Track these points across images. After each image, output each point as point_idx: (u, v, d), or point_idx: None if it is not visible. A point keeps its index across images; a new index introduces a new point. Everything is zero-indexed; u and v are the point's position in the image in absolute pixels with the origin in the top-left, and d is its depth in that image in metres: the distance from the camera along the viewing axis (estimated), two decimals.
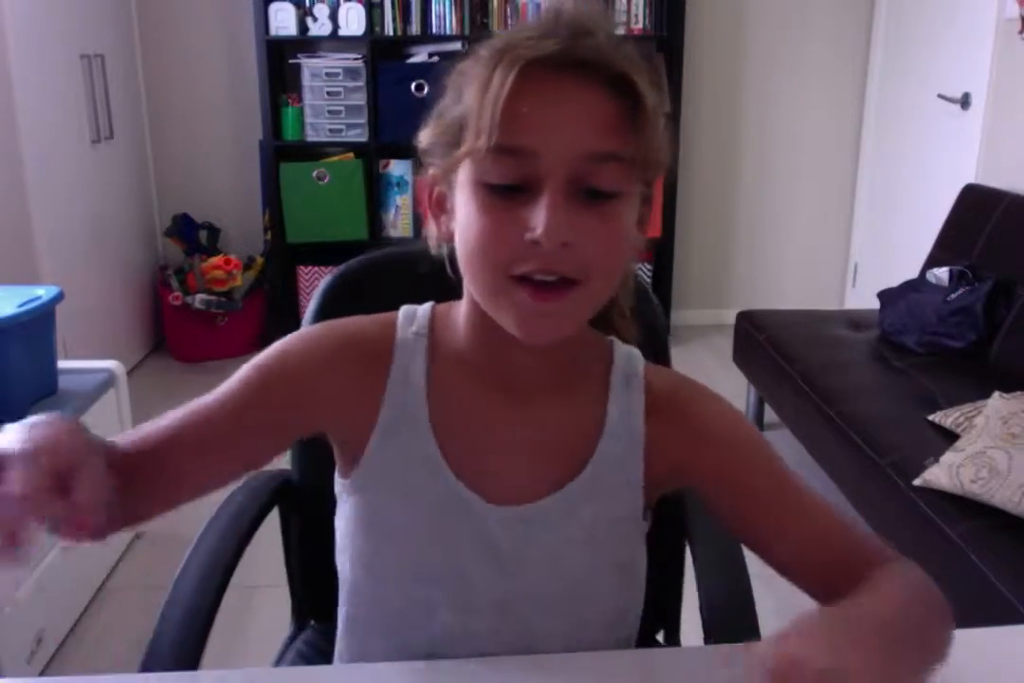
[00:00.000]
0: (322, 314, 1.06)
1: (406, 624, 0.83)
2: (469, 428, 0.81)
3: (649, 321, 1.04)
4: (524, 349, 0.76)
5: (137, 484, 0.73)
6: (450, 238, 0.77)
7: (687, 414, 0.82)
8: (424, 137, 0.78)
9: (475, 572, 0.81)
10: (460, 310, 0.82)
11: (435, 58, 3.61)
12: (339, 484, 0.85)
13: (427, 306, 0.85)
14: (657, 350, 1.03)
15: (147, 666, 0.87)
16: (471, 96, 0.70)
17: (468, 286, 0.77)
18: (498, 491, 0.80)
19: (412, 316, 0.84)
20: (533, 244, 0.68)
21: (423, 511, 0.80)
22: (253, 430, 0.78)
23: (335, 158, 3.69)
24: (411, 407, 0.80)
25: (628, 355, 0.85)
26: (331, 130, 3.64)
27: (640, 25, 3.65)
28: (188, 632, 0.92)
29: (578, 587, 0.82)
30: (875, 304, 2.88)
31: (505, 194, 0.70)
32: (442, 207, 0.78)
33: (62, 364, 2.16)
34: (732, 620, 0.98)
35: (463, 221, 0.72)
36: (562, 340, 0.74)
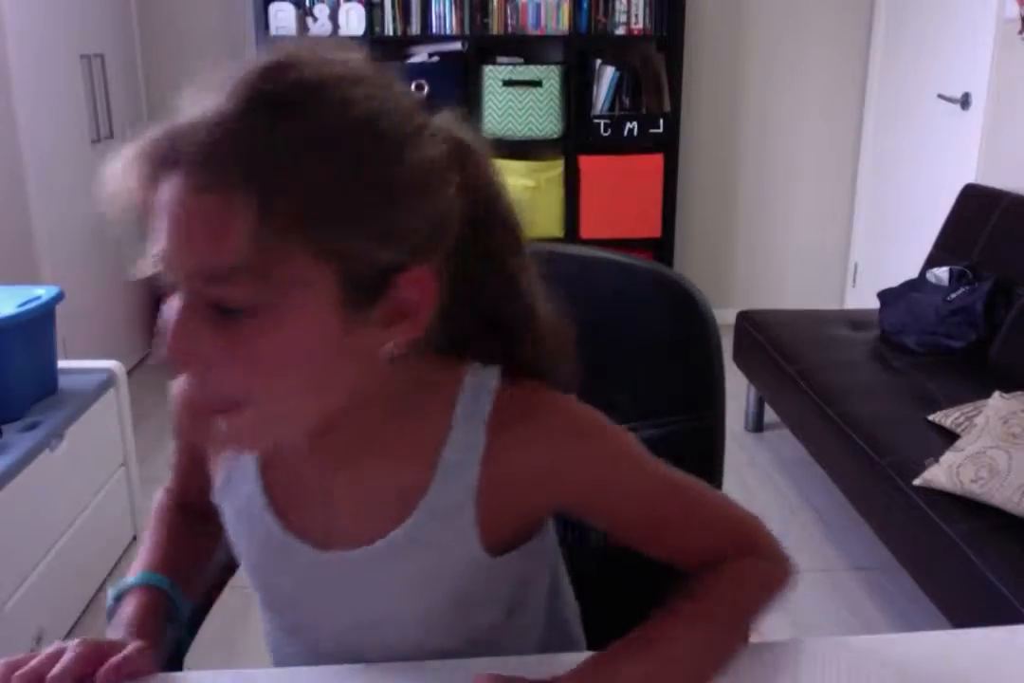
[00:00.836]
0: None
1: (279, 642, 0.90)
2: (297, 483, 0.79)
3: (693, 346, 1.04)
4: (348, 422, 0.73)
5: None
6: None
7: (535, 455, 0.74)
8: None
9: (313, 606, 0.82)
10: None
11: (435, 58, 3.61)
12: None
13: None
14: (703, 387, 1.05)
15: None
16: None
17: None
18: (327, 540, 0.78)
19: None
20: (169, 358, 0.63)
21: (255, 551, 0.82)
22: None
23: None
24: (243, 457, 0.81)
25: (477, 390, 0.75)
26: None
27: (640, 25, 3.65)
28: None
29: (425, 618, 0.80)
30: (875, 304, 2.88)
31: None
32: None
33: (62, 364, 2.16)
34: None
35: None
36: (270, 447, 0.75)
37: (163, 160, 0.60)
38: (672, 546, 0.81)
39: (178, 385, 0.70)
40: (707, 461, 1.10)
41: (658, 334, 1.07)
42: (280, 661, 0.92)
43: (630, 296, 1.08)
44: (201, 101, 0.61)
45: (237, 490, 0.81)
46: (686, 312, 1.05)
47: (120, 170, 0.64)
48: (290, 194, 0.58)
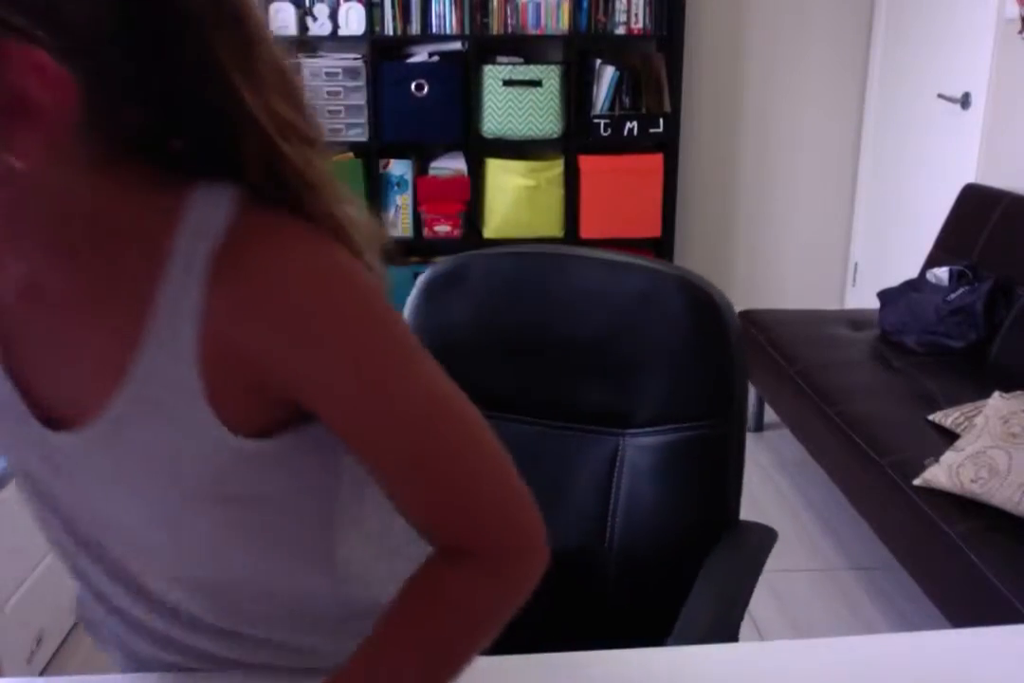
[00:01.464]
0: (418, 311, 1.14)
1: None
2: (23, 341, 0.67)
3: (717, 350, 1.04)
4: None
5: None
6: None
7: (258, 323, 0.60)
8: None
9: (50, 490, 0.74)
10: None
11: (435, 58, 3.61)
12: None
13: None
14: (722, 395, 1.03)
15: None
16: None
17: None
18: (58, 419, 0.67)
19: None
20: None
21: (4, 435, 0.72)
22: None
23: (335, 158, 3.68)
24: None
25: (201, 228, 0.60)
26: (331, 130, 3.64)
27: (640, 25, 3.65)
28: None
29: (169, 520, 0.69)
30: (875, 304, 2.88)
31: None
32: None
33: None
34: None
35: None
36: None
37: None
38: (404, 493, 0.67)
39: None
40: (722, 468, 1.10)
41: (679, 340, 1.07)
42: (92, 629, 0.84)
43: (655, 301, 1.08)
44: None
45: None
46: (708, 319, 1.06)
47: None
48: None
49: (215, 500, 0.67)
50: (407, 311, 1.16)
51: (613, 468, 1.11)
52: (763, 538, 1.11)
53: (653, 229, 3.76)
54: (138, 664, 0.82)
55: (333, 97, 3.61)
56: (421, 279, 1.17)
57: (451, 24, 3.55)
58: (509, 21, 3.56)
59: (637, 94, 3.71)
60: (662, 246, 3.81)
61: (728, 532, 1.10)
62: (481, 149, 3.64)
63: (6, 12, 0.50)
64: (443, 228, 3.68)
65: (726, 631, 0.95)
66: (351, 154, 3.68)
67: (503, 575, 0.69)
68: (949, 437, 2.03)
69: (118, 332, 0.62)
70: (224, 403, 0.63)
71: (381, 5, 3.55)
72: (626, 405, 1.10)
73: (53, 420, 0.67)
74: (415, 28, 3.56)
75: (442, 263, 1.18)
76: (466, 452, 0.67)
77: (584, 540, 1.10)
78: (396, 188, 3.72)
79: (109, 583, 0.76)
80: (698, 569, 1.07)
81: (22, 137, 0.53)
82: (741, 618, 0.97)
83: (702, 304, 1.07)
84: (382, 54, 3.63)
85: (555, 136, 3.61)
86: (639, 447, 1.09)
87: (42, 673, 1.88)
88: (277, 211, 0.61)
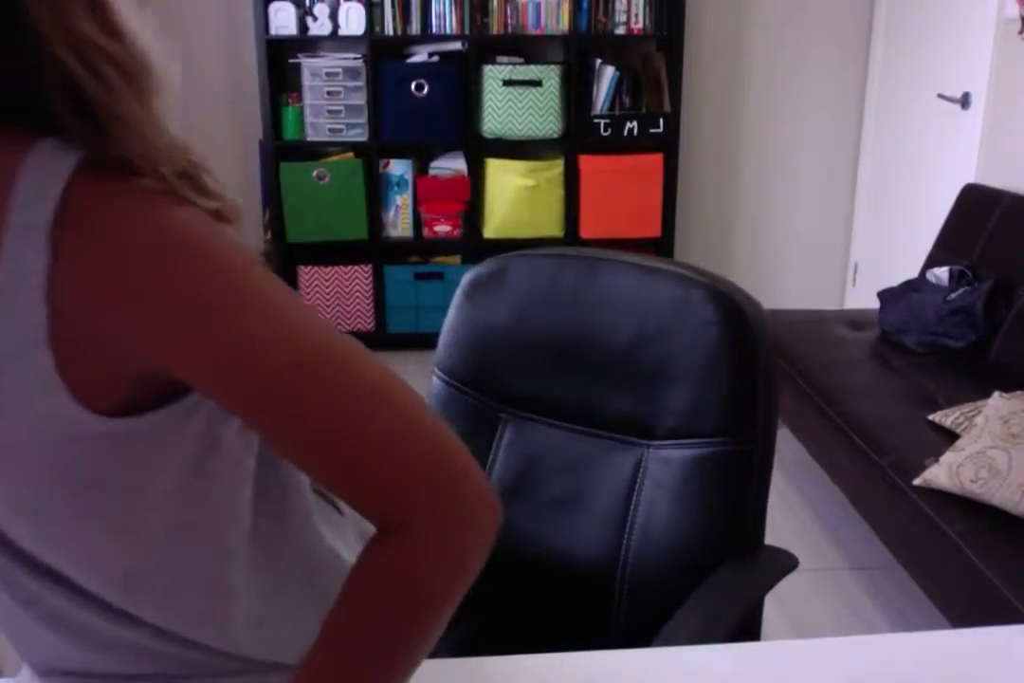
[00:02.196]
0: (459, 311, 1.17)
1: None
2: None
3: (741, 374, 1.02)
4: None
5: None
6: None
7: (104, 291, 0.56)
8: None
9: None
10: None
11: (435, 58, 3.61)
12: None
13: None
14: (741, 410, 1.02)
15: None
16: None
17: None
18: None
19: None
20: None
21: None
22: None
23: (335, 158, 3.68)
24: None
25: (41, 186, 0.56)
26: (331, 130, 3.64)
27: (640, 25, 3.65)
28: None
29: (29, 510, 0.63)
30: (875, 304, 2.88)
31: None
32: None
33: None
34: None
35: None
36: None
37: None
38: (316, 464, 0.61)
39: None
40: (743, 488, 1.06)
41: (706, 351, 1.05)
42: None
43: (684, 310, 1.06)
44: None
45: None
46: (736, 331, 1.05)
47: None
48: None
49: (72, 487, 0.62)
50: (451, 310, 1.18)
51: (635, 479, 1.09)
52: (777, 562, 1.08)
53: (653, 229, 3.76)
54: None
55: (333, 97, 3.61)
56: (464, 279, 1.19)
57: (451, 24, 3.55)
58: (509, 21, 3.56)
59: (637, 94, 3.72)
60: (662, 246, 3.81)
61: (743, 554, 1.06)
62: (481, 149, 3.64)
63: None
64: (443, 228, 3.68)
65: (713, 635, 0.93)
66: (351, 154, 3.68)
67: (444, 546, 0.63)
68: (949, 437, 2.03)
69: None
70: (79, 379, 0.58)
71: (381, 5, 3.55)
72: (651, 415, 1.08)
73: None
74: (415, 28, 3.56)
75: (484, 264, 1.19)
76: (356, 399, 0.60)
77: (599, 551, 1.09)
78: (396, 188, 3.72)
79: (27, 581, 0.69)
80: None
81: None
82: (725, 639, 0.94)
83: (730, 315, 1.05)
84: (382, 54, 3.63)
85: (555, 136, 3.61)
86: (662, 460, 1.09)
87: None
88: (110, 172, 0.57)
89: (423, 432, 0.62)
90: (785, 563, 1.08)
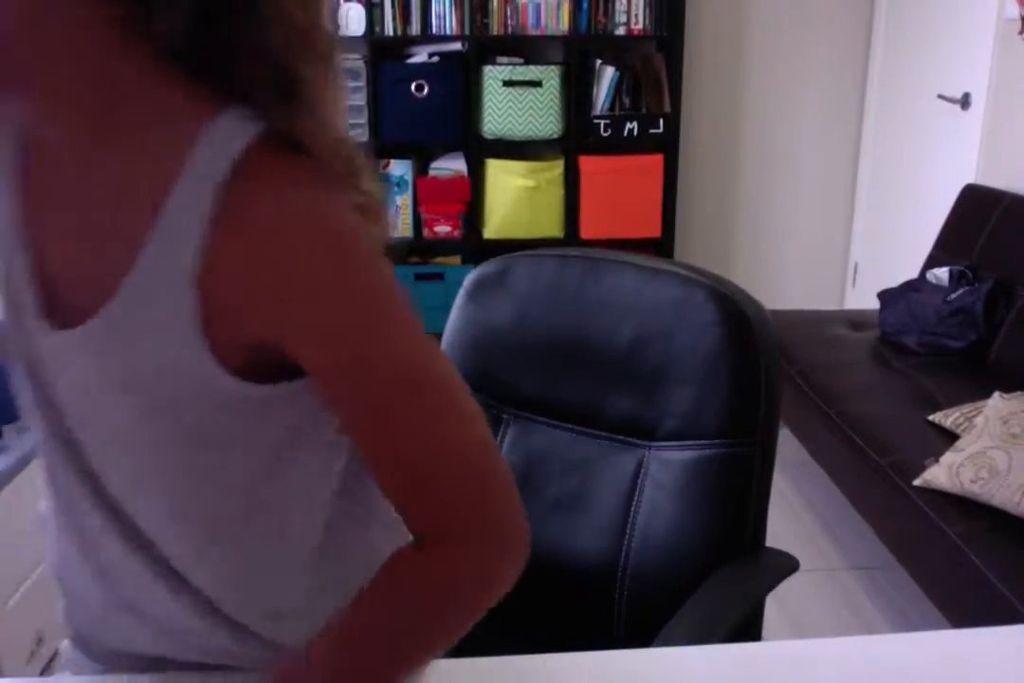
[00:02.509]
0: (462, 310, 1.17)
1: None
2: (49, 222, 0.66)
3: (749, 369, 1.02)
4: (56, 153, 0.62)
5: None
6: None
7: (259, 262, 0.59)
8: None
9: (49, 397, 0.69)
10: None
11: (435, 58, 3.61)
12: None
13: None
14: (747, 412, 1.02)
15: None
16: None
17: None
18: (55, 304, 0.66)
19: None
20: None
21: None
22: None
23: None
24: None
25: (224, 143, 0.59)
26: None
27: (640, 25, 3.65)
28: None
29: (146, 457, 0.67)
30: (875, 304, 2.88)
31: None
32: None
33: None
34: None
35: None
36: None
37: None
38: (374, 460, 0.64)
39: None
40: (744, 491, 1.06)
41: (708, 353, 1.04)
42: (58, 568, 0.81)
43: (686, 311, 1.06)
44: None
45: None
46: (737, 333, 1.04)
47: None
48: None
49: (173, 434, 0.65)
50: (454, 310, 1.18)
51: (636, 480, 1.09)
52: (778, 564, 1.08)
53: (653, 229, 3.76)
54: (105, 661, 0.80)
55: None
56: (467, 279, 1.18)
57: (451, 24, 3.55)
58: (509, 21, 3.56)
59: (637, 94, 3.71)
60: (662, 246, 3.81)
61: (744, 556, 1.06)
62: (481, 149, 3.64)
63: None
64: (443, 228, 3.68)
65: (713, 634, 0.94)
66: None
67: (477, 566, 0.66)
68: (949, 437, 2.03)
69: (127, 237, 0.61)
70: (212, 329, 0.60)
71: (381, 5, 3.55)
72: (653, 417, 1.08)
73: (64, 318, 0.65)
74: (415, 28, 3.56)
75: (486, 264, 1.19)
76: (439, 419, 0.64)
77: (600, 551, 1.09)
78: (396, 188, 3.72)
79: (99, 523, 0.71)
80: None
81: None
82: (725, 640, 0.94)
83: (732, 316, 1.04)
84: (382, 54, 3.63)
85: (555, 136, 3.61)
86: (663, 461, 1.09)
87: (42, 673, 1.88)
88: (286, 149, 0.60)
89: (484, 457, 0.66)
90: (786, 565, 1.08)
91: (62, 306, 0.65)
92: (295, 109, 0.60)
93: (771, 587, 1.04)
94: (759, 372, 1.04)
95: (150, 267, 0.60)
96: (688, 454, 1.05)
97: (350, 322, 0.61)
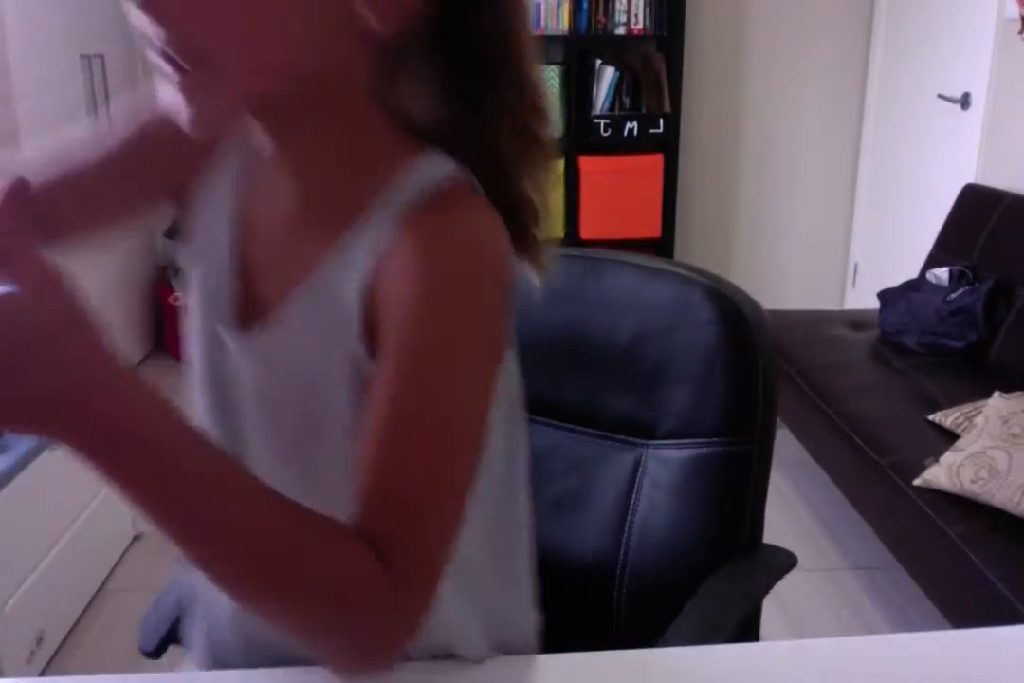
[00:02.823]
0: None
1: None
2: (257, 239, 0.75)
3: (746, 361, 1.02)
4: (276, 150, 0.69)
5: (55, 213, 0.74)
6: None
7: (421, 257, 0.64)
8: None
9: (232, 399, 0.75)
10: None
11: None
12: None
13: None
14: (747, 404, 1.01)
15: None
16: None
17: None
18: (248, 308, 0.74)
19: None
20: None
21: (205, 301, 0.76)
22: (140, 163, 0.79)
23: None
24: (219, 205, 0.76)
25: (419, 175, 0.67)
26: None
27: (640, 25, 3.65)
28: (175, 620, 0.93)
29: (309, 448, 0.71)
30: (875, 304, 2.88)
31: None
32: None
33: None
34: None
35: None
36: (221, 131, 0.70)
37: None
38: (364, 452, 0.62)
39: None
40: (742, 489, 1.06)
41: (705, 352, 1.04)
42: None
43: (683, 310, 1.06)
44: None
45: (207, 228, 0.76)
46: (734, 331, 1.04)
47: None
48: None
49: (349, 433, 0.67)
50: None
51: (634, 480, 1.09)
52: (777, 561, 1.08)
53: (653, 229, 3.76)
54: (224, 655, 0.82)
55: None
56: None
57: None
58: None
59: (637, 94, 3.72)
60: (662, 246, 3.81)
61: (742, 554, 1.06)
62: None
63: None
64: None
65: (719, 634, 0.94)
66: None
67: (402, 587, 0.58)
68: (949, 437, 2.03)
69: (315, 246, 0.68)
70: (371, 334, 0.66)
71: None
72: (651, 415, 1.08)
73: (253, 319, 0.72)
74: None
75: None
76: (434, 461, 0.61)
77: (599, 550, 1.09)
78: None
79: None
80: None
81: (390, 4, 0.61)
82: (728, 640, 0.94)
83: (729, 315, 1.04)
84: None
85: (555, 136, 3.61)
86: (660, 460, 1.08)
87: (42, 673, 1.88)
88: (474, 187, 0.68)
89: (447, 505, 0.62)
90: (784, 562, 1.08)
91: (250, 314, 0.73)
92: (499, 156, 0.69)
93: (771, 585, 1.05)
94: (757, 371, 1.04)
95: (327, 278, 0.67)
96: (686, 452, 1.05)
97: (435, 335, 0.63)
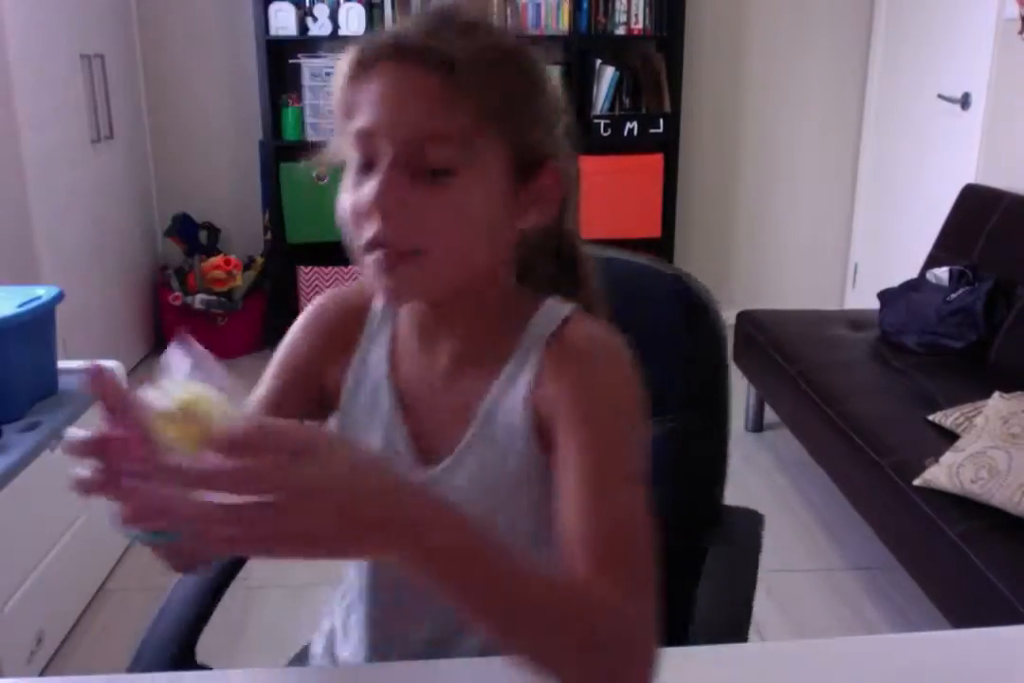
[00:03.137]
0: None
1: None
2: (416, 392, 0.88)
3: (703, 336, 1.08)
4: (439, 318, 0.84)
5: None
6: None
7: (572, 362, 0.82)
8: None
9: None
10: None
11: None
12: None
13: None
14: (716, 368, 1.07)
15: (138, 661, 0.89)
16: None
17: None
18: (422, 451, 0.87)
19: None
20: (369, 214, 0.74)
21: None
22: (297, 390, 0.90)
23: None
24: (375, 370, 0.89)
25: (550, 313, 0.85)
26: (331, 130, 3.63)
27: (640, 25, 3.65)
28: (181, 630, 0.93)
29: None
30: (875, 304, 2.88)
31: (362, 173, 0.77)
32: None
33: (62, 364, 2.15)
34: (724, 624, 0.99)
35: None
36: (425, 300, 0.82)
37: (382, 51, 0.76)
38: (575, 505, 0.73)
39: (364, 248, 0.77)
40: (706, 458, 1.13)
41: (672, 336, 1.10)
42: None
43: (653, 299, 1.11)
44: (395, 24, 0.80)
45: (368, 412, 0.88)
46: (697, 317, 1.10)
47: (339, 67, 0.79)
48: (496, 88, 0.75)
49: (532, 508, 0.84)
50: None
51: None
52: (752, 526, 1.15)
53: (653, 229, 3.76)
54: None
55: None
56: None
57: None
58: (509, 21, 3.56)
59: (637, 94, 3.72)
60: (662, 246, 3.81)
61: (717, 523, 1.13)
62: None
63: (559, 149, 0.82)
64: None
65: (740, 633, 0.96)
66: None
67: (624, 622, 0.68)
68: (949, 437, 2.03)
69: (475, 387, 0.84)
70: (540, 433, 0.81)
71: (381, 5, 3.55)
72: None
73: (430, 459, 0.85)
74: None
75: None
76: (630, 507, 0.74)
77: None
78: None
79: None
80: (685, 560, 1.08)
81: (536, 213, 0.81)
82: (750, 616, 0.99)
83: (692, 304, 1.11)
84: None
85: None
86: None
87: (42, 673, 1.88)
88: (582, 312, 0.86)
89: (649, 548, 0.73)
90: (757, 525, 1.14)
91: (427, 447, 0.86)
92: (586, 292, 0.89)
93: (759, 550, 1.10)
94: (716, 351, 1.12)
95: (495, 405, 0.83)
96: (656, 429, 1.09)
97: (609, 417, 0.78)
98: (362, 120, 0.76)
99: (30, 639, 1.85)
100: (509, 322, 0.85)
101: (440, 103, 0.74)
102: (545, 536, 0.77)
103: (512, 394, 0.82)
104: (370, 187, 0.74)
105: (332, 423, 0.90)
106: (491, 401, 0.83)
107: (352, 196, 0.77)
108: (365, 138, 0.76)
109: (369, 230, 0.75)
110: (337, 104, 0.80)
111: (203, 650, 0.96)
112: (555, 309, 0.86)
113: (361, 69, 0.77)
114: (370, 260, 0.76)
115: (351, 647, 0.93)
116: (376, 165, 0.75)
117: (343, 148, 0.80)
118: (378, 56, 0.76)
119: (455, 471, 0.84)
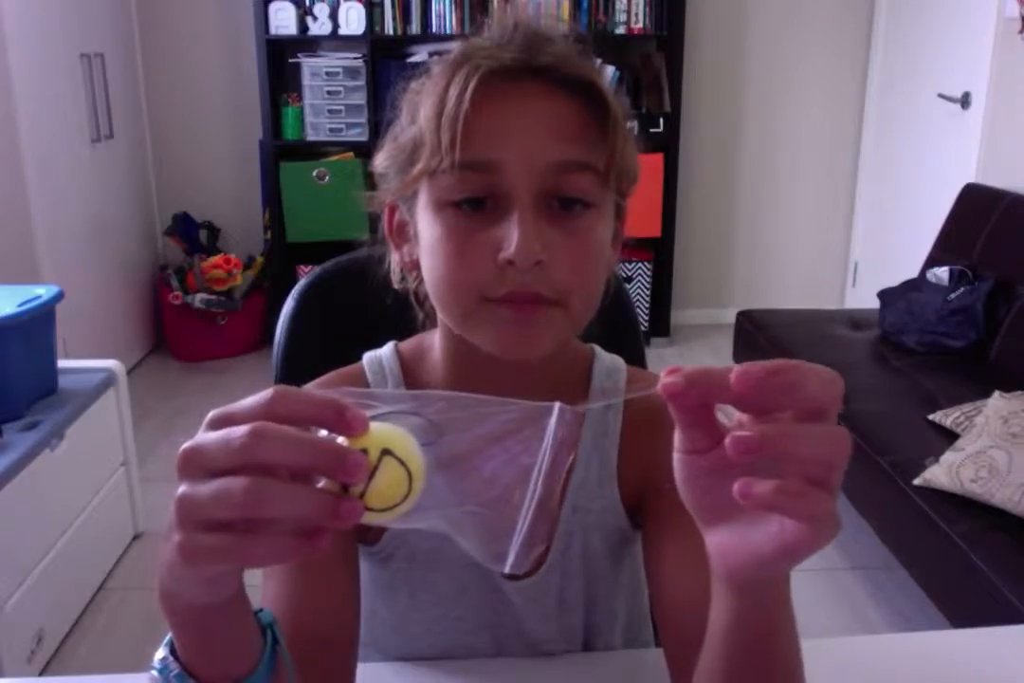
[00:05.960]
0: (298, 317, 1.04)
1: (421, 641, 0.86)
2: None
3: (622, 318, 1.07)
4: (503, 373, 0.71)
5: None
6: (414, 267, 0.74)
7: (660, 426, 0.72)
8: (379, 161, 0.75)
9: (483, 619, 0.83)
10: (434, 342, 0.79)
11: (435, 57, 3.60)
12: (361, 550, 0.81)
13: (389, 348, 0.82)
14: (632, 349, 1.06)
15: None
16: (426, 113, 0.67)
17: (441, 314, 0.73)
18: None
19: (378, 364, 0.81)
20: (507, 264, 0.64)
21: (446, 574, 0.81)
22: None
23: (335, 157, 3.68)
24: None
25: (609, 370, 0.82)
26: (331, 129, 3.64)
27: (640, 25, 3.65)
28: None
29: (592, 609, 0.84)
30: (875, 304, 2.88)
31: (472, 213, 0.66)
32: (404, 236, 0.76)
33: (62, 364, 2.16)
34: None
35: (429, 247, 0.69)
36: (539, 357, 0.70)
37: (503, 73, 0.69)
38: (685, 577, 0.72)
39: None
40: None
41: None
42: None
43: None
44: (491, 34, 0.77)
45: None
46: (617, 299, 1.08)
47: (432, 88, 0.70)
48: (625, 113, 0.73)
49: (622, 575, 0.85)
50: (282, 318, 1.04)
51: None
52: None
53: (653, 229, 3.76)
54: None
55: (333, 97, 3.61)
56: (301, 284, 1.11)
57: (451, 23, 3.56)
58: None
59: (637, 94, 3.71)
60: (662, 246, 3.81)
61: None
62: None
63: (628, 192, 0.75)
64: None
65: None
66: (351, 154, 3.67)
67: None
68: (949, 437, 2.03)
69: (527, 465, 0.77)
70: (630, 506, 0.80)
71: (381, 5, 3.55)
72: None
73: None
74: (415, 28, 3.56)
75: (318, 270, 1.14)
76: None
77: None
78: None
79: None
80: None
81: (616, 251, 0.77)
82: None
83: (618, 292, 1.10)
84: (382, 54, 3.63)
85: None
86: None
87: (42, 673, 1.88)
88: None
89: None
90: None
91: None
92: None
93: None
94: (631, 329, 1.12)
95: (585, 478, 0.79)
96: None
97: None
98: (485, 151, 0.65)
99: (30, 639, 1.85)
100: (568, 376, 0.81)
101: (585, 130, 0.67)
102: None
103: (595, 465, 0.79)
104: (511, 233, 0.64)
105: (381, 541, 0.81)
106: (577, 473, 0.79)
107: (460, 244, 0.66)
108: (485, 172, 0.65)
109: (506, 284, 0.65)
110: (428, 129, 0.67)
111: None
112: (609, 364, 0.82)
113: (481, 91, 0.66)
114: (495, 312, 0.67)
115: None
116: (494, 201, 0.66)
117: (426, 181, 0.68)
118: (505, 77, 0.68)
119: (555, 578, 0.81)
